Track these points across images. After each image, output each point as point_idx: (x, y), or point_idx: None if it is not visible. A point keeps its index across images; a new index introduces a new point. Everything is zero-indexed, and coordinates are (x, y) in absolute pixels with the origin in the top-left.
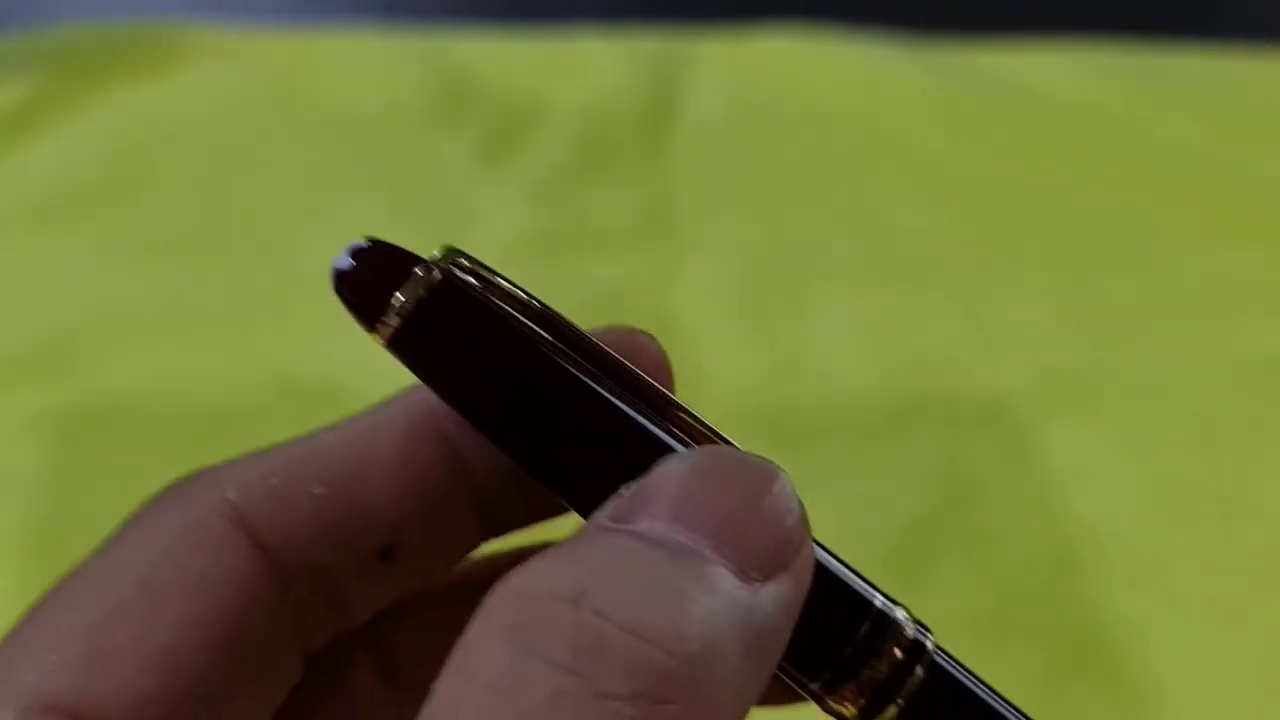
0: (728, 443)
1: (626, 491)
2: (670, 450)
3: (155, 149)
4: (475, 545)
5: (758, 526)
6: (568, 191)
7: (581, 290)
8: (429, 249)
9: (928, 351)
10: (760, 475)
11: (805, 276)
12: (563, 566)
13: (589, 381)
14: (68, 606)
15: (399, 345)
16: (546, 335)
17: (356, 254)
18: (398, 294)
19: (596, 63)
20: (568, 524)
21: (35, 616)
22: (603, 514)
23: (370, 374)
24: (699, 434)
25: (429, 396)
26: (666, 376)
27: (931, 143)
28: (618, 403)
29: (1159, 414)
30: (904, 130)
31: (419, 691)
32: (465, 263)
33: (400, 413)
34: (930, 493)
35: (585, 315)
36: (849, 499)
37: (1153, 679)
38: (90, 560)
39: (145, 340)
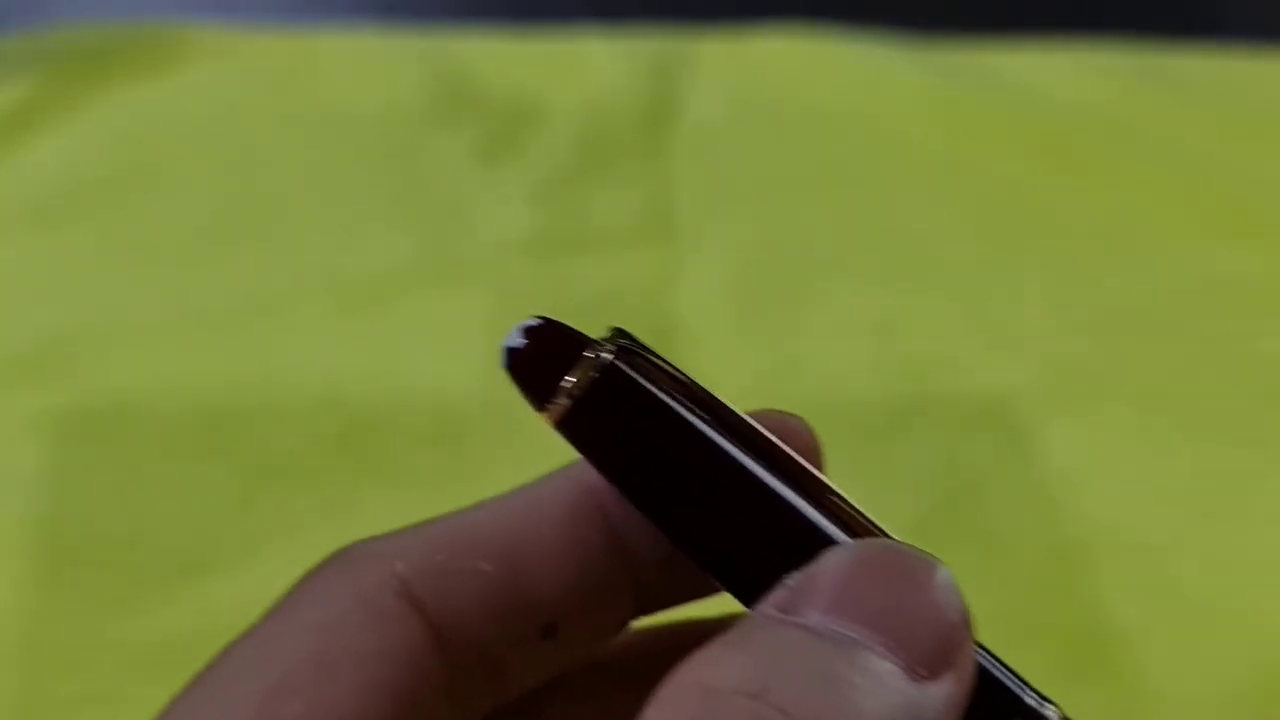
0: (882, 532)
1: (791, 581)
2: (831, 540)
3: (155, 149)
4: (628, 623)
5: (924, 622)
6: (568, 192)
7: (581, 290)
8: (429, 247)
9: (928, 351)
10: (923, 569)
11: (805, 276)
12: (738, 659)
13: (752, 467)
14: (240, 671)
15: (567, 426)
16: (708, 418)
17: (528, 333)
18: (568, 376)
19: (597, 63)
20: (717, 603)
21: (207, 678)
22: (768, 604)
23: (370, 374)
24: (854, 521)
25: (589, 473)
26: (819, 461)
27: (932, 143)
28: (780, 490)
29: (1159, 414)
30: (904, 131)
31: None
32: (629, 344)
33: (562, 489)
34: (930, 493)
35: (586, 316)
36: None
37: (1153, 679)
38: (260, 626)
39: (145, 340)
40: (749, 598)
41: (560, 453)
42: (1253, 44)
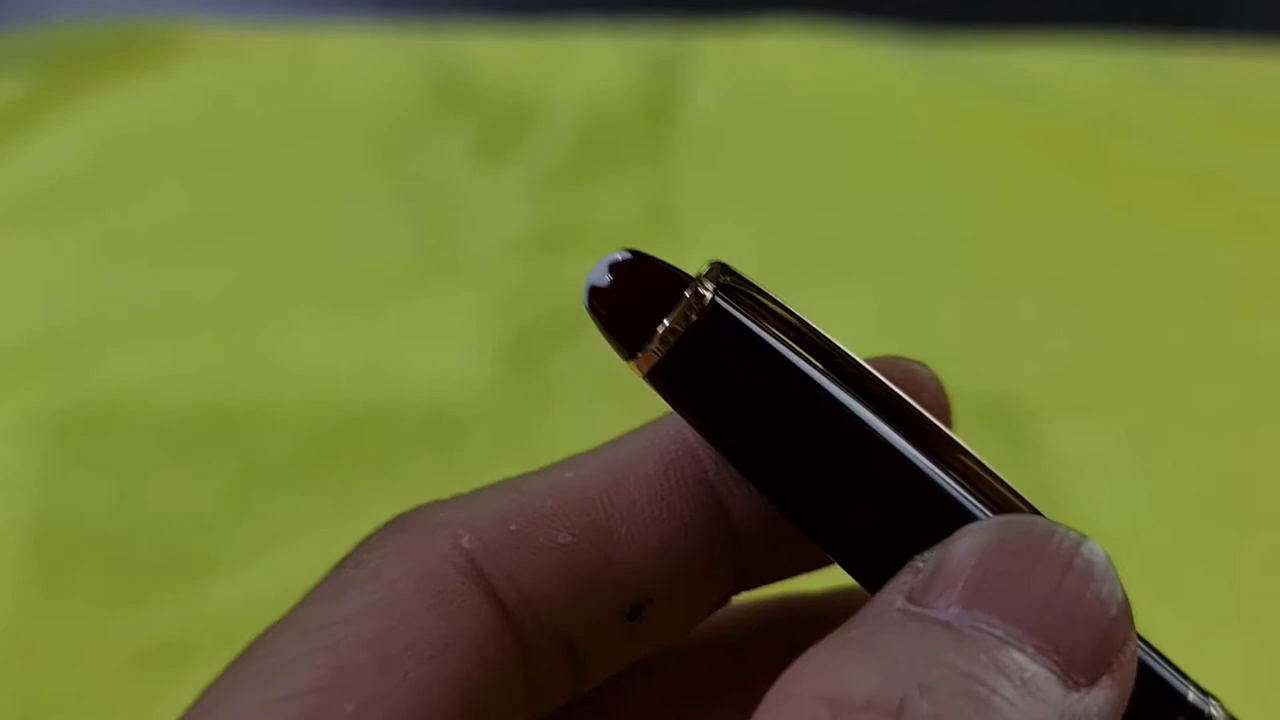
0: (1026, 504)
1: (921, 564)
2: (966, 512)
3: (149, 146)
4: (725, 601)
5: (1081, 618)
6: (567, 189)
7: (581, 289)
8: (426, 246)
9: (932, 350)
10: (1077, 552)
11: (806, 275)
12: (867, 665)
13: (875, 426)
14: (287, 662)
15: (662, 377)
16: (824, 368)
17: (615, 269)
18: (665, 320)
19: (596, 58)
20: (822, 575)
21: (248, 668)
22: (896, 592)
23: (368, 374)
24: (992, 489)
25: (685, 428)
26: (948, 417)
27: (935, 141)
28: (907, 451)
29: (1165, 413)
30: (908, 127)
31: None
32: (733, 280)
33: (653, 447)
34: None
35: (585, 316)
36: None
37: None
38: (307, 608)
39: (140, 339)
40: (868, 577)
41: (569, 451)
42: (1261, 41)
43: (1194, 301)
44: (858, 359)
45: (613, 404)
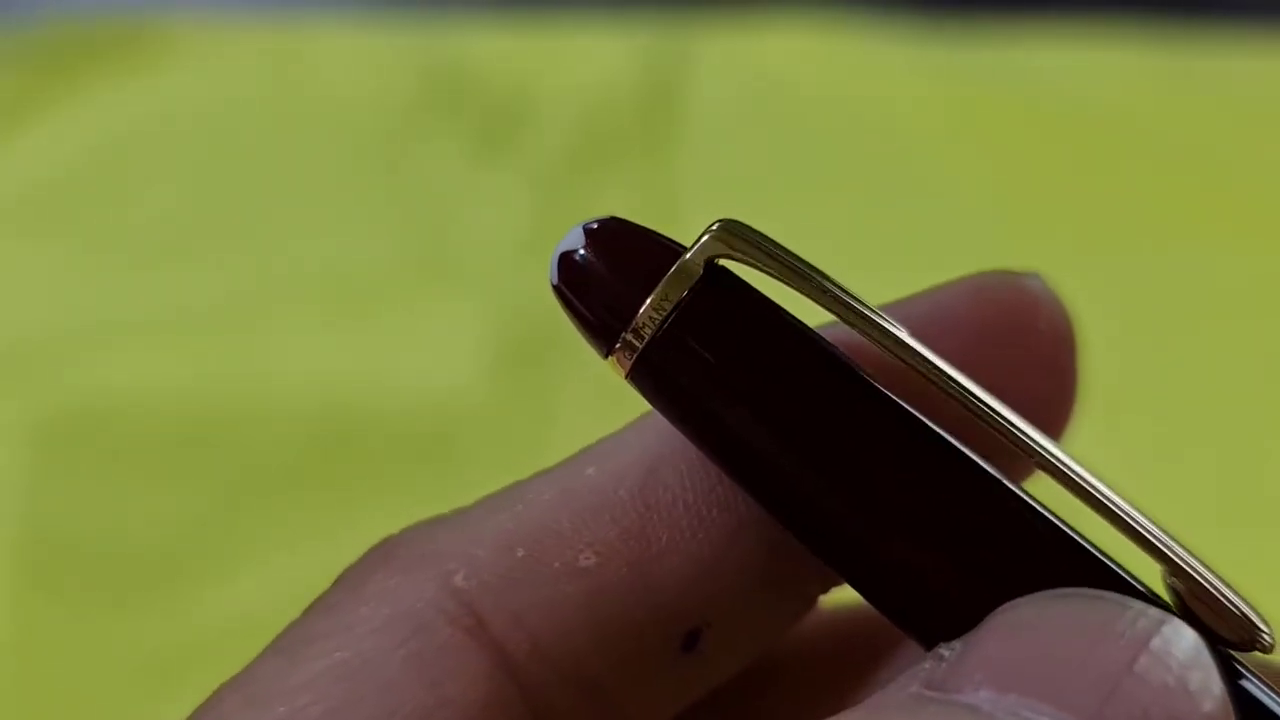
0: (1125, 577)
1: (947, 652)
2: (1081, 553)
3: (137, 147)
4: (810, 606)
5: (1159, 714)
6: (567, 189)
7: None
8: (422, 248)
9: None
10: (1158, 636)
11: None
12: None
13: (945, 443)
14: None
15: (647, 376)
16: (869, 376)
17: (589, 238)
18: (650, 301)
19: (596, 51)
20: None
21: None
22: (911, 679)
23: (360, 380)
24: (1060, 550)
25: None
26: (1067, 382)
27: (944, 139)
28: (989, 475)
29: (1179, 418)
30: (915, 123)
31: None
32: (743, 247)
33: None
34: None
35: None
36: None
37: None
38: (267, 666)
39: (128, 344)
40: (918, 630)
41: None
42: (1271, 29)
43: (1211, 306)
44: (925, 351)
45: (619, 413)
